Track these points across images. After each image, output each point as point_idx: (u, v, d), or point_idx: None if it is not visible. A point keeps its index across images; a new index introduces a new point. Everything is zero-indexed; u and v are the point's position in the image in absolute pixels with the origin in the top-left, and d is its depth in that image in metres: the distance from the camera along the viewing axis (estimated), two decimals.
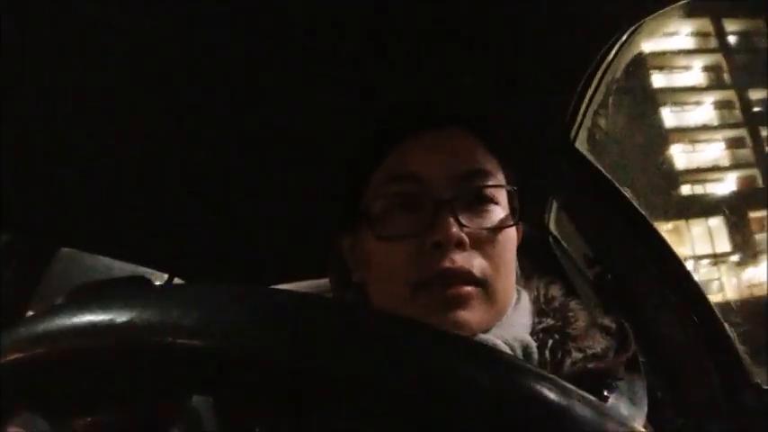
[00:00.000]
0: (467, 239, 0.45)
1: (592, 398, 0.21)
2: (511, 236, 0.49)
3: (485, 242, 0.46)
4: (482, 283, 0.46)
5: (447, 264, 0.44)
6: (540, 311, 0.49)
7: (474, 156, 0.49)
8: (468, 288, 0.45)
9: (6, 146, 0.69)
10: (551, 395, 0.20)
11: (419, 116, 0.51)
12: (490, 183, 0.49)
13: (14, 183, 0.72)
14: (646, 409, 0.46)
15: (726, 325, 0.76)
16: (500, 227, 0.47)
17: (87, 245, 0.87)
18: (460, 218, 0.45)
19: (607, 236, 0.89)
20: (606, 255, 0.89)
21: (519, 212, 0.49)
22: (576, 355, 0.45)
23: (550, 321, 0.48)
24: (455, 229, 0.45)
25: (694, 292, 0.79)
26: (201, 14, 0.60)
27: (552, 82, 0.85)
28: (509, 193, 0.50)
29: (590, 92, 0.90)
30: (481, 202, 0.48)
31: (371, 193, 0.49)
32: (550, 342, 0.46)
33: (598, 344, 0.46)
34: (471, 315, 0.45)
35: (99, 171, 0.81)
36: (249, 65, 0.69)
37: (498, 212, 0.48)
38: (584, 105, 0.92)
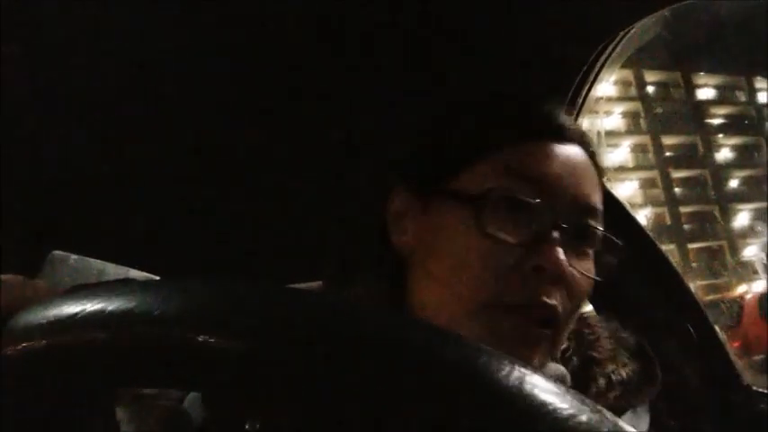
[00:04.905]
0: (566, 278, 0.41)
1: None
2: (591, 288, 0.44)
3: (575, 286, 0.42)
4: (557, 327, 0.41)
5: (544, 297, 0.40)
6: None
7: (595, 188, 0.45)
8: (546, 331, 0.41)
9: (5, 147, 0.66)
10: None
11: (549, 121, 0.46)
12: (600, 226, 0.44)
13: (13, 184, 0.68)
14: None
15: (716, 327, 0.78)
16: (596, 278, 0.43)
17: (81, 247, 0.83)
18: (566, 251, 0.41)
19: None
20: (599, 259, 0.89)
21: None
22: (601, 381, 0.42)
23: (566, 343, 0.44)
24: (564, 261, 0.40)
25: (685, 295, 0.81)
26: (200, 13, 0.59)
27: (547, 84, 0.85)
28: (606, 241, 0.45)
29: (584, 93, 0.91)
30: (584, 241, 0.43)
31: (481, 178, 0.43)
32: (569, 367, 0.43)
33: (622, 367, 0.43)
34: (536, 357, 0.41)
35: (96, 172, 0.77)
36: (245, 65, 0.67)
37: (591, 258, 0.44)
38: (578, 107, 0.93)
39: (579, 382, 0.42)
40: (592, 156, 0.46)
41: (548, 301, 0.40)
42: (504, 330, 0.40)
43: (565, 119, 0.47)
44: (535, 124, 0.46)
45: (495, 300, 0.40)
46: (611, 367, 0.43)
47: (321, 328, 0.20)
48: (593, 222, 0.43)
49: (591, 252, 0.44)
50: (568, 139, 0.45)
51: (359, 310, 0.22)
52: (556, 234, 0.41)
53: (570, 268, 0.40)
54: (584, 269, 0.42)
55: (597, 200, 0.44)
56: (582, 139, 0.46)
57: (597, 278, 0.43)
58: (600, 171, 0.47)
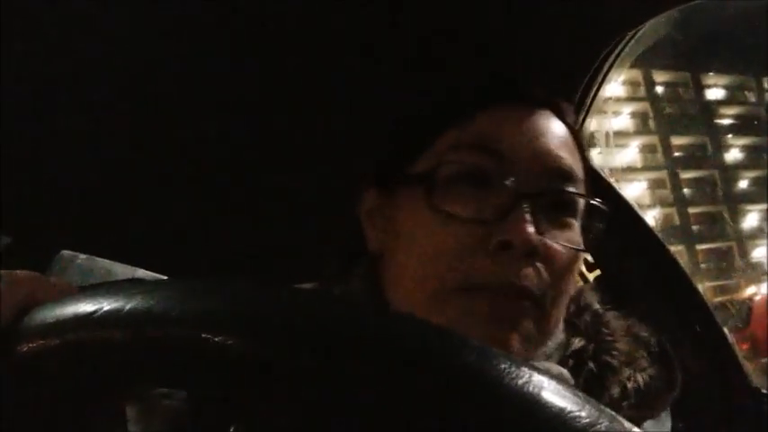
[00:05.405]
0: (541, 251, 0.37)
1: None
2: (580, 261, 0.41)
3: (555, 259, 0.37)
4: (539, 301, 0.38)
5: (513, 278, 0.36)
6: (570, 325, 0.42)
7: (567, 151, 0.40)
8: (525, 303, 0.37)
9: (5, 146, 0.66)
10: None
11: (507, 87, 0.43)
12: (580, 190, 0.39)
13: (13, 183, 0.68)
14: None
15: (725, 329, 0.77)
16: (579, 249, 0.39)
17: (87, 246, 0.85)
18: (539, 222, 0.37)
19: (605, 240, 0.89)
20: (604, 259, 0.88)
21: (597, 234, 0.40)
22: (614, 390, 0.38)
23: (582, 342, 0.41)
24: (533, 233, 0.36)
25: (692, 295, 0.80)
26: (200, 13, 0.59)
27: (555, 84, 0.84)
28: (590, 209, 0.41)
29: (592, 93, 0.90)
30: (563, 210, 0.39)
31: (435, 157, 0.40)
32: (584, 373, 0.39)
33: (640, 372, 0.39)
34: (518, 337, 0.37)
35: (99, 172, 0.77)
36: (245, 65, 0.68)
37: (575, 228, 0.40)
38: (584, 108, 0.92)
39: (591, 390, 0.38)
40: (566, 122, 0.42)
41: (516, 282, 0.36)
42: (477, 312, 0.37)
43: (530, 84, 0.44)
44: (485, 90, 0.43)
45: (462, 282, 0.37)
46: (627, 373, 0.39)
47: (352, 336, 0.20)
48: (569, 188, 0.39)
49: (574, 222, 0.39)
50: (533, 104, 0.41)
51: (372, 313, 0.22)
52: (524, 205, 0.37)
53: (543, 240, 0.37)
54: (564, 240, 0.38)
55: (571, 163, 0.40)
56: (552, 103, 0.42)
57: (579, 248, 0.39)
58: (577, 137, 0.42)
